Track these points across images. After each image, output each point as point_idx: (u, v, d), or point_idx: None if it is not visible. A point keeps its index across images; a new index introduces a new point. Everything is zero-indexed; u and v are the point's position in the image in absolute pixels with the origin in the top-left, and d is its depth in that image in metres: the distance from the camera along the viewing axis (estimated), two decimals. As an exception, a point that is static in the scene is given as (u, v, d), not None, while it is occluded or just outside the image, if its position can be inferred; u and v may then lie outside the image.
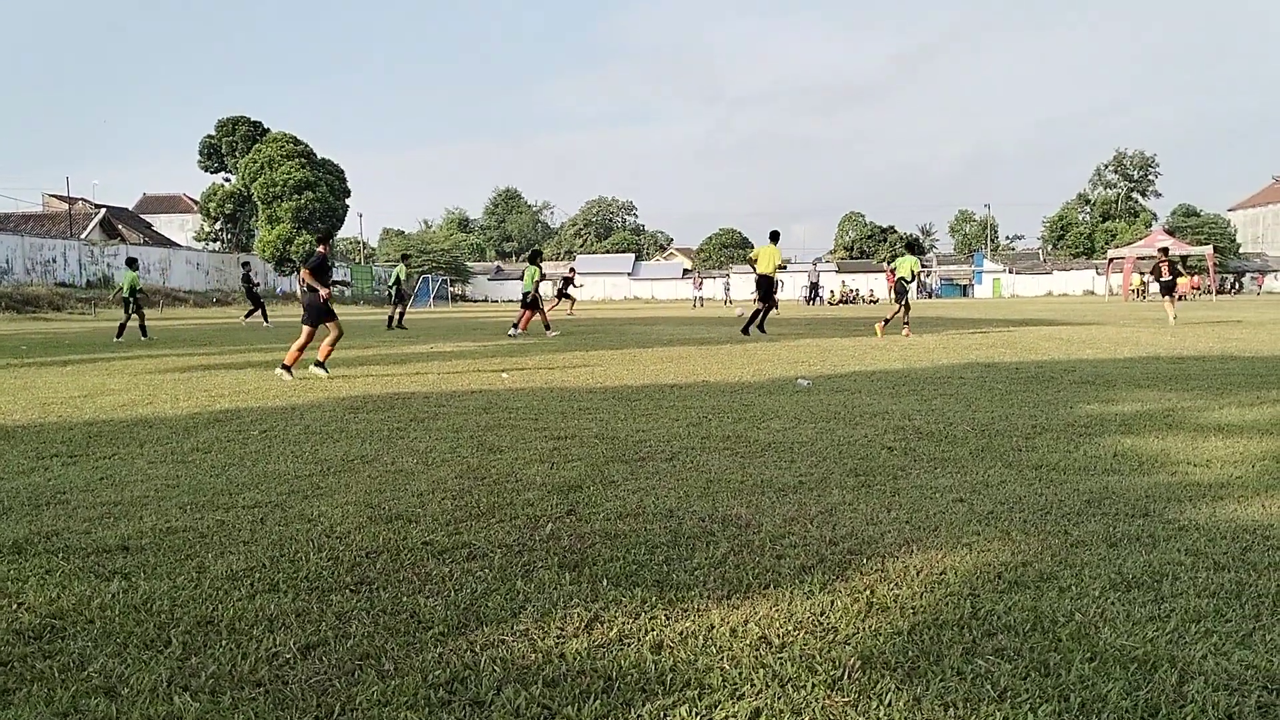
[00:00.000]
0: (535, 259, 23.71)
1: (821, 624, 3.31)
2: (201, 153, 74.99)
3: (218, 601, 3.63)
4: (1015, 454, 6.30)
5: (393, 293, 28.75)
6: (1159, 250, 23.00)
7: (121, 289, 23.80)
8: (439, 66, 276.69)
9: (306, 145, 68.66)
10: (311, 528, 4.67)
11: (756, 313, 21.88)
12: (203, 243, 76.44)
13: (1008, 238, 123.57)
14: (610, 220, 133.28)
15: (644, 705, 2.73)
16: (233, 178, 73.97)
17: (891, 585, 3.70)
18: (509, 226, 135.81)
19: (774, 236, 21.65)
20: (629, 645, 3.15)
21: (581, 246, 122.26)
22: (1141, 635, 3.12)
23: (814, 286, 59.25)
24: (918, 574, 3.83)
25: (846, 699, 2.73)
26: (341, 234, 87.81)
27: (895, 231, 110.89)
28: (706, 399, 9.38)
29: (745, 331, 21.40)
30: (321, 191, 67.36)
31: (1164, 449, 6.39)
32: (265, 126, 72.94)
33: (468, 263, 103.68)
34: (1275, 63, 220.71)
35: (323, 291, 12.22)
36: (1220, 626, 3.19)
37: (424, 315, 46.52)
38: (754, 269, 21.59)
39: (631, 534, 4.45)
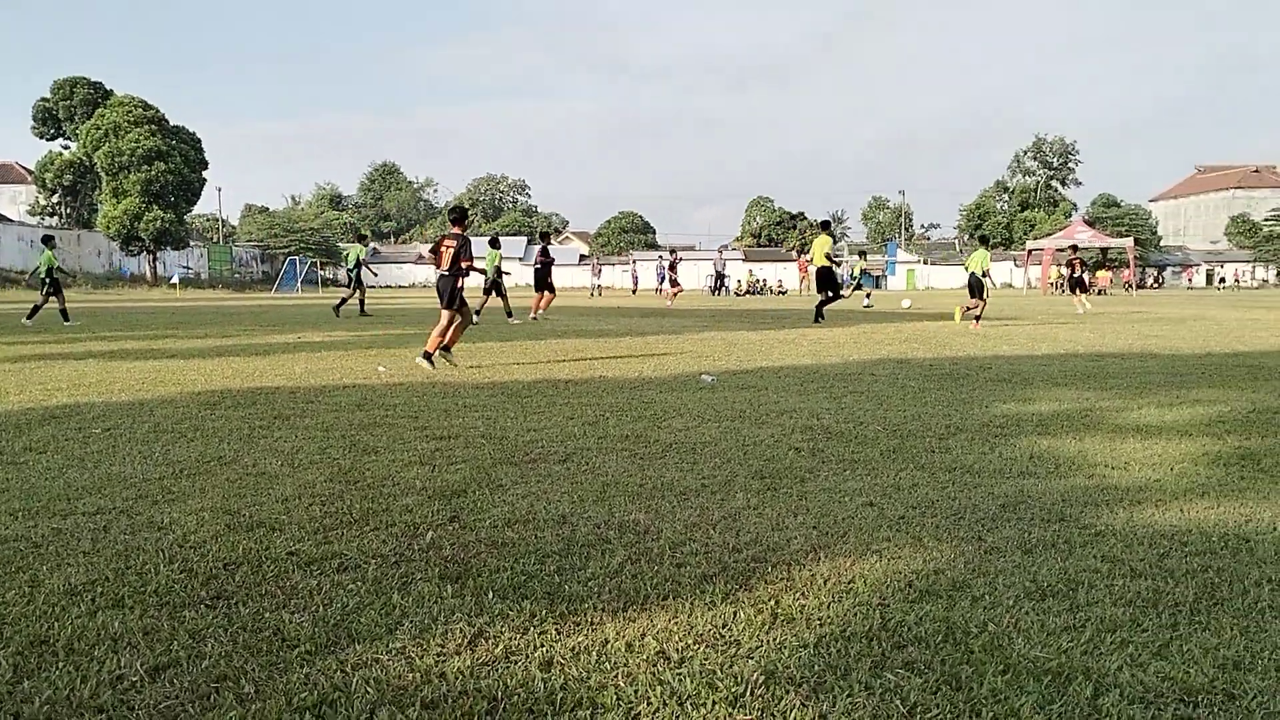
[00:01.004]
0: (495, 243, 25.14)
1: (723, 637, 3.35)
2: (35, 118, 72.16)
3: (54, 619, 3.50)
4: (928, 455, 6.46)
5: (353, 276, 28.37)
6: (1070, 248, 24.10)
7: (39, 269, 23.35)
8: (308, 26, 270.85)
9: (157, 111, 66.63)
10: (162, 537, 4.54)
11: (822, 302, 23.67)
12: (38, 217, 73.66)
13: (923, 226, 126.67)
14: (500, 200, 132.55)
15: (531, 728, 2.73)
16: (72, 145, 71.40)
17: (797, 595, 3.76)
18: (387, 204, 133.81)
19: (825, 225, 25.25)
20: (516, 663, 3.14)
21: (469, 228, 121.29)
22: (1056, 646, 3.23)
23: (719, 276, 59.71)
24: (825, 583, 3.90)
25: (749, 717, 2.77)
26: (198, 210, 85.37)
27: (805, 218, 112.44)
28: (604, 396, 9.40)
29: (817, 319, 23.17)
30: (175, 162, 65.48)
31: (1081, 451, 6.62)
32: (109, 89, 70.52)
33: (340, 244, 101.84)
34: (1198, 50, 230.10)
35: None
36: (1136, 636, 3.32)
37: (290, 302, 45.56)
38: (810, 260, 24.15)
39: (520, 542, 4.43)
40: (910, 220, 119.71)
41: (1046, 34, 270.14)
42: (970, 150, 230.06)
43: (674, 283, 40.00)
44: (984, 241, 23.41)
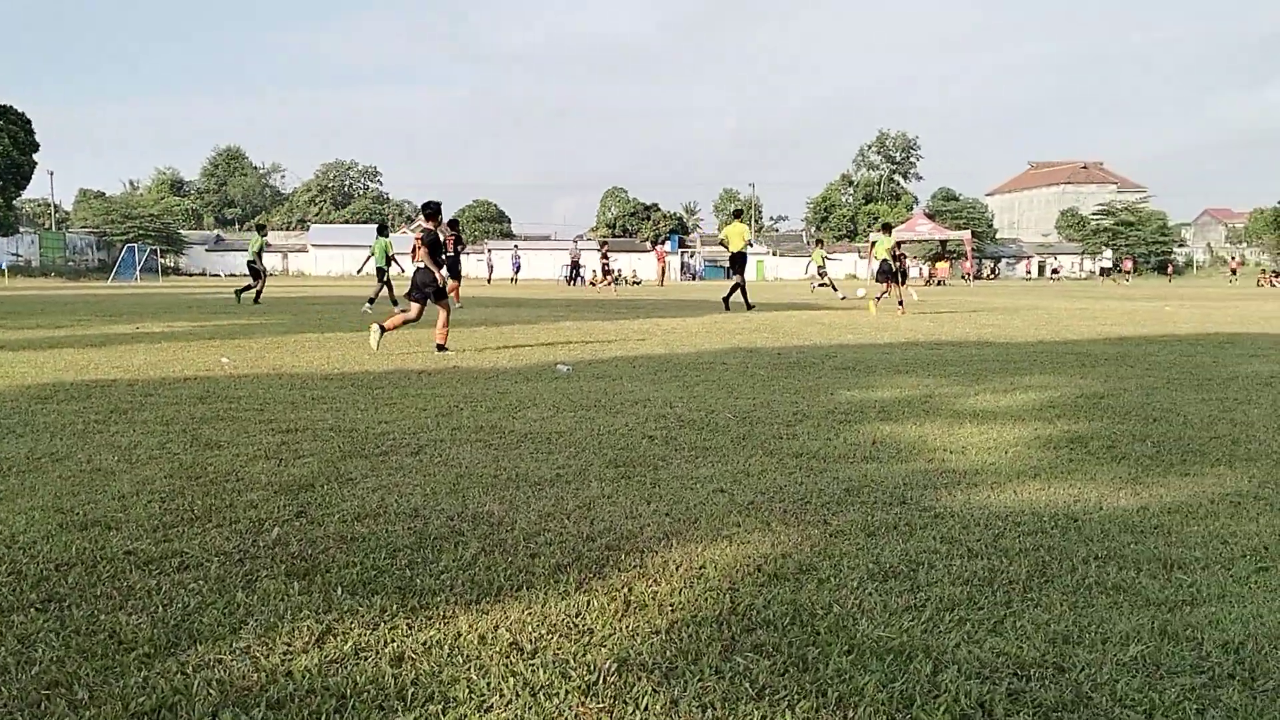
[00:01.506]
0: (384, 231, 25.78)
1: (577, 626, 3.35)
2: None
3: None
4: (776, 442, 6.58)
5: (257, 269, 28.31)
6: (894, 244, 25.31)
7: None
8: (154, 5, 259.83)
9: (-19, 89, 63.10)
10: (-14, 538, 4.30)
11: (736, 287, 24.39)
12: None
13: (772, 218, 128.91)
14: (350, 187, 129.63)
15: (381, 724, 2.68)
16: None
17: (650, 582, 3.78)
18: (231, 191, 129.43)
19: (737, 214, 25.63)
20: (366, 659, 3.08)
21: (317, 216, 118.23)
22: (898, 625, 3.33)
23: (575, 265, 59.63)
24: (677, 569, 3.94)
25: (601, 705, 2.77)
26: (28, 194, 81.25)
27: (659, 209, 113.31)
28: (458, 386, 9.30)
29: (729, 306, 24.11)
30: (2, 144, 62.11)
31: (921, 436, 6.83)
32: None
33: (181, 231, 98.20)
34: (1034, 52, 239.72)
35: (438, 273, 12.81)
36: (973, 614, 3.44)
37: (128, 291, 43.73)
38: (727, 248, 24.81)
39: (371, 536, 4.34)
40: (760, 213, 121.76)
41: (895, 34, 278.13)
42: (817, 145, 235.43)
43: (606, 271, 42.76)
44: (886, 229, 24.92)
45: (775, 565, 3.98)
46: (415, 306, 13.06)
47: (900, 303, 23.63)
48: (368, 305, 23.84)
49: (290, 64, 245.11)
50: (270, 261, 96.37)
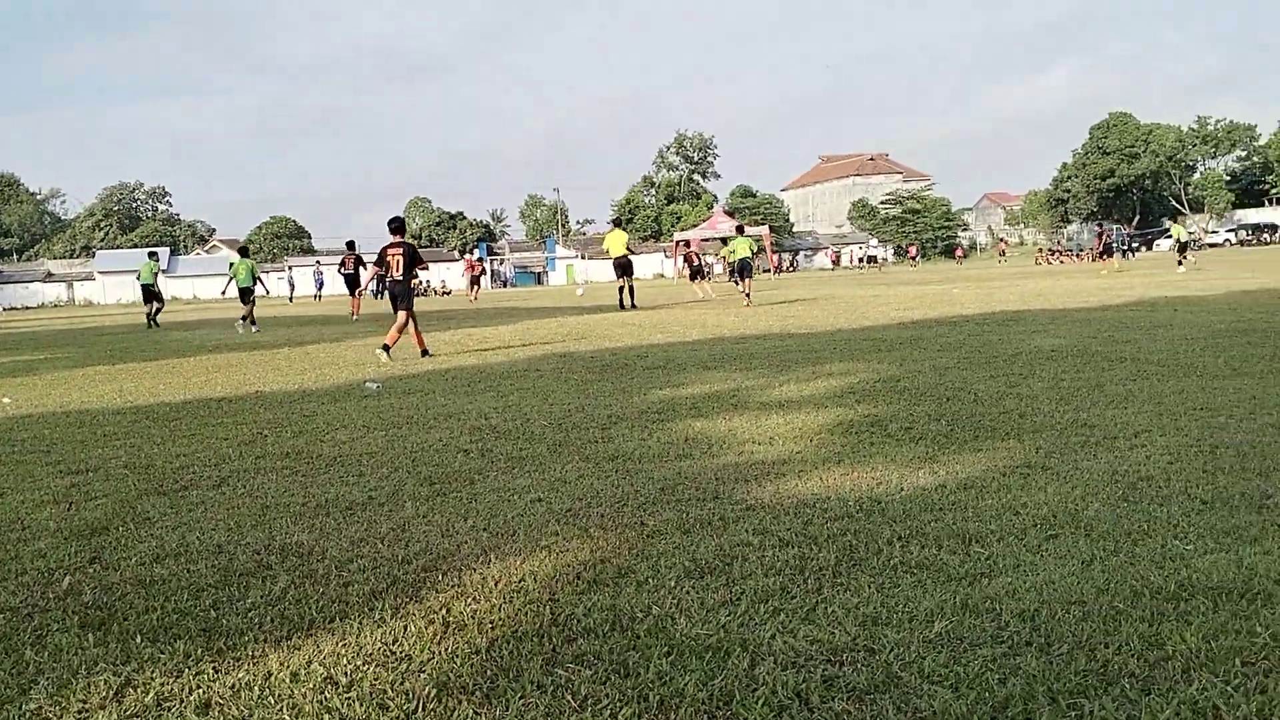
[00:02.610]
0: (245, 252, 26.27)
1: (394, 653, 3.25)
2: None
3: None
4: (592, 446, 6.58)
5: (152, 292, 28.70)
6: (683, 243, 26.61)
7: None
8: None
9: None
10: None
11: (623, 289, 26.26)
12: None
13: (579, 222, 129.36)
14: (137, 210, 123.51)
15: (188, 778, 2.53)
16: None
17: (469, 601, 3.71)
18: (6, 219, 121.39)
19: (616, 223, 29.49)
20: (169, 709, 2.91)
21: (103, 241, 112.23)
22: (715, 622, 3.35)
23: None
24: (496, 584, 3.88)
25: (422, 734, 2.69)
26: None
27: (465, 218, 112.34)
28: (261, 412, 8.96)
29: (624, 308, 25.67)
30: None
31: (731, 430, 6.95)
32: None
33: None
34: (821, 47, 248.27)
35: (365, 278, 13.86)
36: (787, 604, 3.50)
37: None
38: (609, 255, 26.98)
39: (171, 578, 4.12)
40: (566, 217, 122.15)
41: (686, 34, 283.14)
42: (619, 147, 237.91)
43: (475, 282, 44.69)
44: (741, 230, 28.13)
45: (594, 571, 3.96)
46: (403, 314, 13.86)
47: (748, 295, 25.48)
48: (243, 324, 24.03)
49: (64, 82, 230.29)
50: (55, 291, 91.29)
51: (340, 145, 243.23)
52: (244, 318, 24.40)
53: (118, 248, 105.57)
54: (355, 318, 27.80)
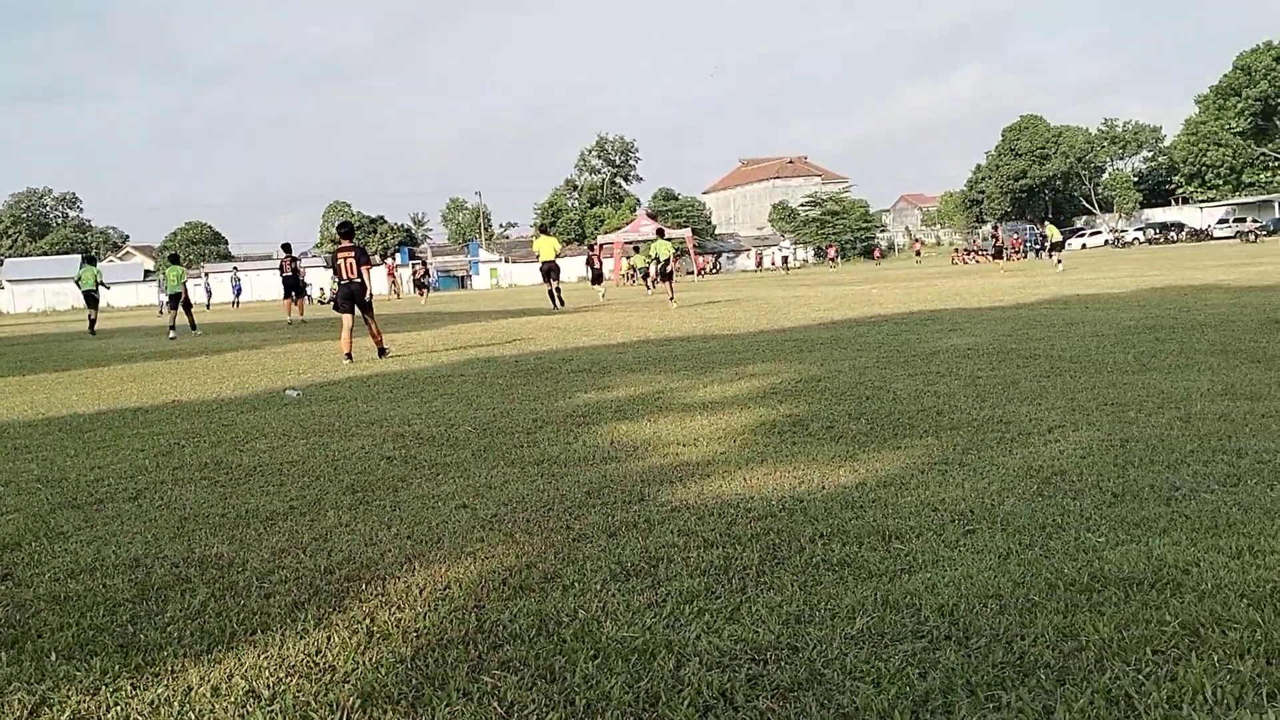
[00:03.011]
0: (176, 259, 27.46)
1: (317, 664, 3.21)
2: None
3: None
4: (517, 451, 6.56)
5: (93, 297, 28.44)
6: (589, 246, 27.04)
7: None
8: None
9: None
10: None
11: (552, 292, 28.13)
12: None
13: (501, 225, 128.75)
14: (46, 216, 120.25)
15: (106, 798, 2.48)
16: None
17: (393, 609, 3.68)
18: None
19: (544, 229, 31.67)
20: (86, 729, 2.84)
21: (11, 249, 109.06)
22: (641, 624, 3.36)
23: (299, 285, 57.60)
24: (421, 592, 3.85)
25: (346, 745, 2.67)
26: None
27: (386, 221, 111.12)
28: (179, 421, 8.78)
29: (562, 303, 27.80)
30: None
31: (656, 432, 6.97)
32: None
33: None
34: (737, 50, 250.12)
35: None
36: (711, 604, 3.52)
37: None
38: (539, 259, 28.42)
39: (87, 594, 4.03)
40: (489, 220, 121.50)
41: (598, 34, 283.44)
42: (540, 150, 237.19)
43: (420, 286, 47.26)
44: (661, 234, 29.07)
45: (520, 577, 3.95)
46: (348, 316, 14.30)
47: (672, 298, 26.15)
48: (174, 331, 24.31)
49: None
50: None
51: (250, 150, 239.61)
52: (172, 325, 24.65)
53: (27, 255, 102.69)
54: (291, 320, 28.67)
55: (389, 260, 72.76)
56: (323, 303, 60.18)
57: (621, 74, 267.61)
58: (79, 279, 28.76)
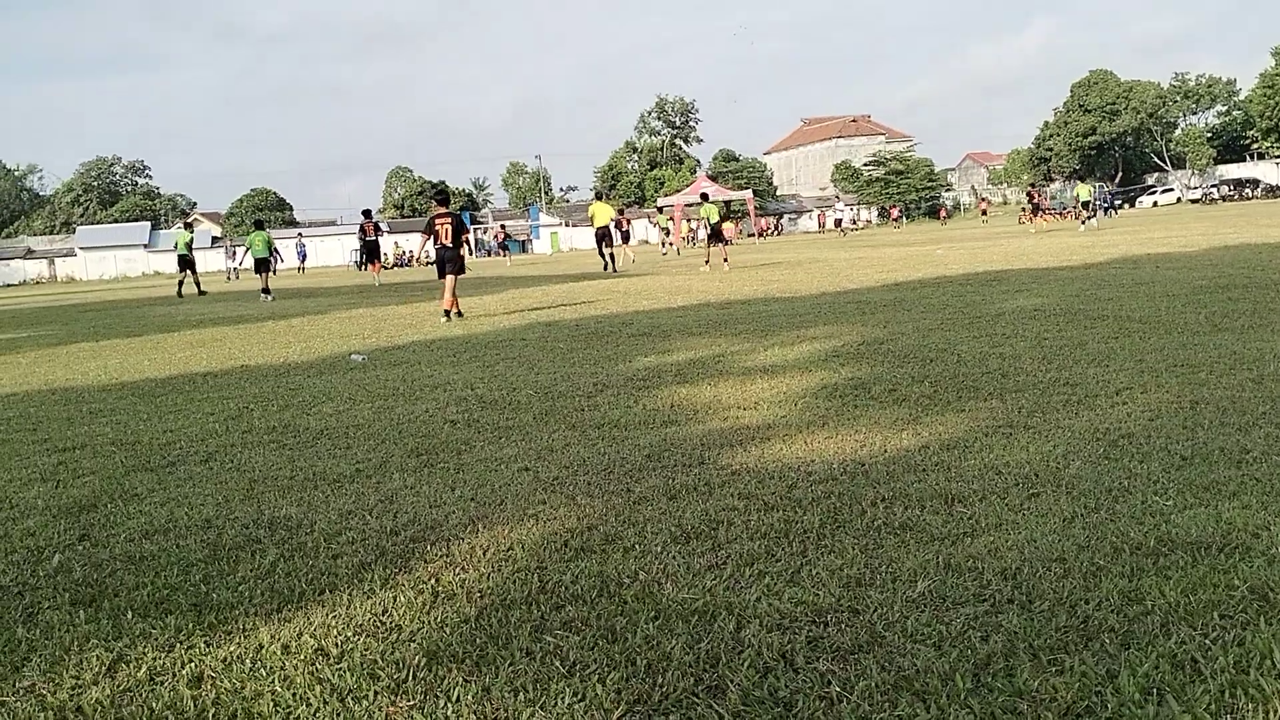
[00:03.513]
0: (260, 225, 29.17)
1: (384, 624, 3.28)
2: None
3: None
4: (578, 414, 6.60)
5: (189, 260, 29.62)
6: (617, 211, 27.15)
7: None
8: None
9: None
10: None
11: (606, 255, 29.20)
12: None
13: (561, 189, 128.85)
14: (117, 184, 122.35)
15: (183, 751, 2.56)
16: None
17: (458, 570, 3.74)
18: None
19: (599, 195, 33.37)
20: (162, 684, 2.93)
21: (83, 217, 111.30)
22: (701, 586, 3.39)
23: (364, 248, 58.17)
24: (484, 553, 3.90)
25: (411, 702, 2.72)
26: None
27: (447, 185, 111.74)
28: (247, 386, 8.96)
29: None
30: None
31: (716, 396, 6.98)
32: None
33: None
34: (797, 7, 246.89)
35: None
36: (772, 567, 3.54)
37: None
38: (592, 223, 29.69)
39: (161, 554, 4.14)
40: (549, 184, 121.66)
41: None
42: (599, 112, 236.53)
43: (504, 248, 48.22)
44: (705, 198, 30.89)
45: (582, 539, 3.99)
46: (451, 278, 15.16)
47: (725, 260, 26.54)
48: (266, 296, 25.02)
49: (27, 57, 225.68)
50: (36, 268, 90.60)
51: (312, 116, 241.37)
52: (264, 289, 25.47)
53: (98, 223, 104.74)
54: (379, 283, 30.11)
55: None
56: (386, 267, 60.76)
57: (682, 34, 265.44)
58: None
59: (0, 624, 3.47)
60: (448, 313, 14.86)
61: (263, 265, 26.10)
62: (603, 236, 29.11)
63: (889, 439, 5.35)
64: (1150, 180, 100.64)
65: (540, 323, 13.50)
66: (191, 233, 31.42)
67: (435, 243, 15.45)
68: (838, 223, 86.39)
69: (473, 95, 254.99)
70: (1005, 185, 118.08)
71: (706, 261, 26.77)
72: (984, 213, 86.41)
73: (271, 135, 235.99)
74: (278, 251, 27.70)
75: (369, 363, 10.12)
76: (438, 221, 15.33)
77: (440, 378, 8.67)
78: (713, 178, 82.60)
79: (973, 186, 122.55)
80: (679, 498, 4.49)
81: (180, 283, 30.50)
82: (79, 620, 3.45)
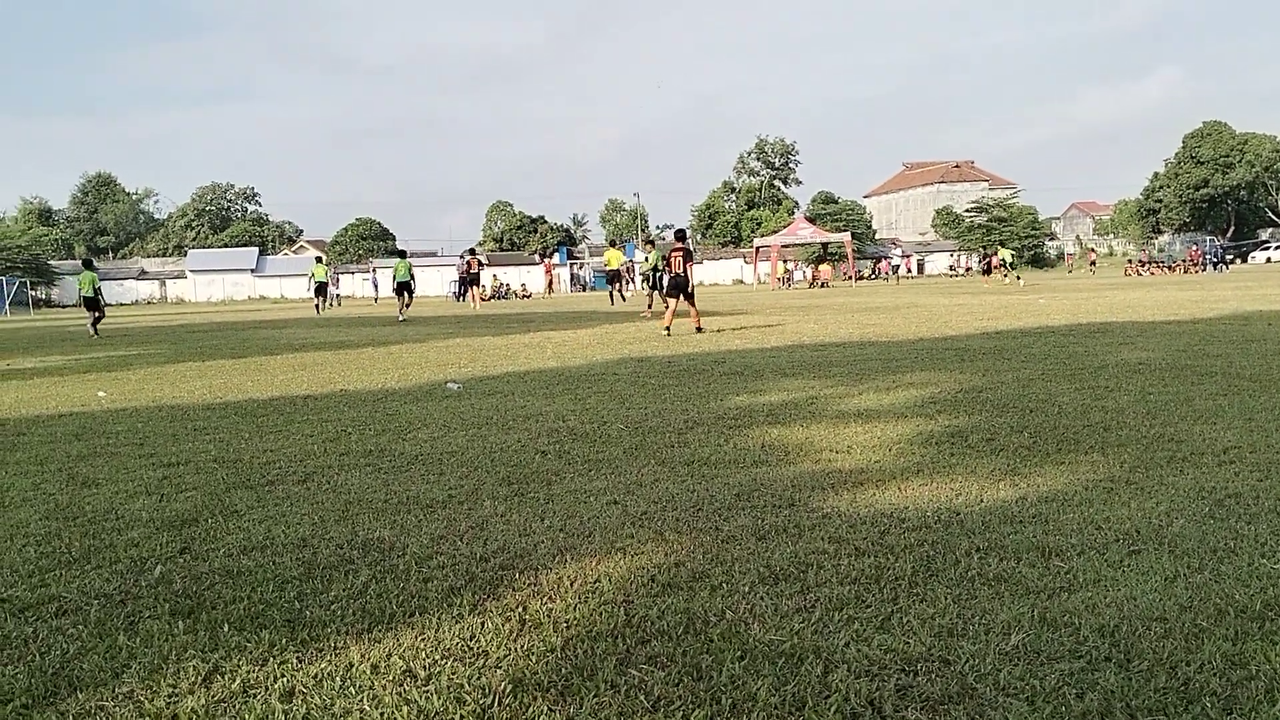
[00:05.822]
0: (402, 254, 33.49)
1: (471, 649, 3.32)
2: None
3: None
4: (668, 450, 6.61)
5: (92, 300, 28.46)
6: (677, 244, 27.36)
7: None
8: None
9: None
10: None
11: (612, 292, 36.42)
12: None
13: (658, 227, 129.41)
14: (228, 210, 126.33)
15: (272, 763, 2.62)
16: None
17: (545, 599, 3.77)
18: (103, 218, 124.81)
19: (612, 243, 38.67)
20: (255, 696, 3.01)
21: (194, 240, 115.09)
22: (789, 628, 3.37)
23: (464, 281, 59.14)
24: (572, 584, 3.93)
25: (497, 728, 2.75)
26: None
27: (546, 221, 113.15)
28: (345, 410, 9.15)
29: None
30: None
31: (808, 437, 6.93)
32: None
33: (52, 262, 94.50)
34: (897, 52, 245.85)
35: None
36: (861, 613, 3.50)
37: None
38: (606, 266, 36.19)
39: (258, 570, 4.25)
40: (646, 221, 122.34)
41: (756, 36, 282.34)
42: (698, 151, 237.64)
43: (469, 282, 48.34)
44: (650, 244, 32.76)
45: (669, 574, 4.00)
46: (673, 300, 18.90)
47: (699, 326, 28.01)
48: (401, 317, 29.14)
49: (148, 86, 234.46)
50: (148, 289, 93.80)
51: (416, 148, 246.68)
52: (401, 312, 29.69)
53: (208, 247, 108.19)
54: (477, 311, 34.78)
55: (547, 259, 74.04)
56: (484, 299, 61.69)
57: (783, 74, 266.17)
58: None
59: (103, 631, 3.59)
60: (668, 329, 18.01)
61: (404, 289, 29.88)
62: (614, 279, 36.49)
63: (985, 489, 5.26)
64: (1264, 235, 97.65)
65: (632, 358, 13.56)
66: (327, 265, 33.94)
67: (669, 271, 18.95)
68: (894, 269, 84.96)
69: (575, 131, 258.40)
70: (1111, 236, 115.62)
71: (649, 306, 27.12)
72: (1092, 263, 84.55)
73: (377, 166, 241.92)
74: (413, 278, 30.47)
75: (464, 391, 10.26)
76: (673, 253, 18.90)
77: (533, 408, 8.76)
78: (810, 219, 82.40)
79: (1077, 236, 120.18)
80: (768, 538, 4.47)
81: (317, 306, 38.80)
82: (177, 630, 3.55)
